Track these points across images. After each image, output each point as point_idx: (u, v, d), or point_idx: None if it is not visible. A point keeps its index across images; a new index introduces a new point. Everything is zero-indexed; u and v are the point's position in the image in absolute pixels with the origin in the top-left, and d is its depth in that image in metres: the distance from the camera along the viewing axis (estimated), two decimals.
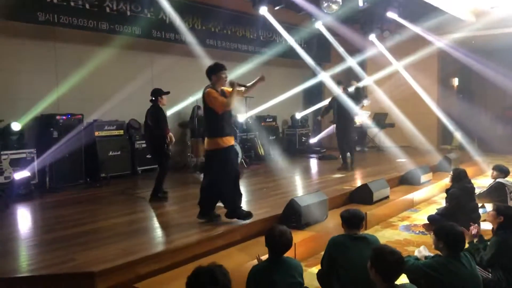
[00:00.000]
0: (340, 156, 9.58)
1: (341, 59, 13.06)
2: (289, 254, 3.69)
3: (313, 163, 11.19)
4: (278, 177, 8.75)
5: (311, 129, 13.48)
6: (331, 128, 11.80)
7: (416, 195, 7.94)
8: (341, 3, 9.31)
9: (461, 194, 5.83)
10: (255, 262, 3.82)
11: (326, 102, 12.39)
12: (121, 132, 8.88)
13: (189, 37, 9.52)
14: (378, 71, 13.33)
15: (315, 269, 4.29)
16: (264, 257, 3.72)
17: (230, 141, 5.29)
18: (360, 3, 9.75)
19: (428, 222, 6.14)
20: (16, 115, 7.55)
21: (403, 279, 3.27)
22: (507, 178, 6.57)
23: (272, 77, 11.93)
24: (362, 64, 13.76)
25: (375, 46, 12.70)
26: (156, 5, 8.96)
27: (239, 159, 9.19)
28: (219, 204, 6.10)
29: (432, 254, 3.72)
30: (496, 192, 6.35)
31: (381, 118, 13.08)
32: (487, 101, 14.59)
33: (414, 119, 12.66)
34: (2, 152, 6.95)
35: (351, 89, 9.90)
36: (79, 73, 8.12)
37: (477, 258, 3.94)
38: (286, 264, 3.37)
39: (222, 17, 10.47)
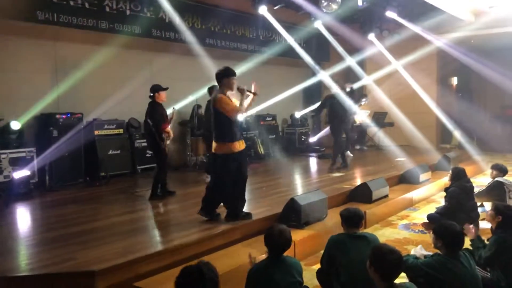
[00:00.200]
0: (339, 156, 9.53)
1: (340, 59, 13.07)
2: (288, 253, 3.70)
3: (313, 162, 11.20)
4: (277, 176, 8.77)
5: (310, 128, 13.49)
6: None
7: (415, 194, 7.95)
8: (340, 3, 9.31)
9: (460, 193, 5.84)
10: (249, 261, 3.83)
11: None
12: (121, 131, 8.89)
13: (189, 36, 9.53)
14: (377, 71, 13.34)
15: (315, 268, 4.29)
16: (262, 256, 3.73)
17: (242, 145, 5.35)
18: (359, 3, 9.75)
19: (427, 221, 6.16)
20: (15, 114, 7.55)
21: (402, 278, 3.28)
22: (506, 177, 6.59)
23: (272, 76, 11.98)
24: (361, 64, 13.76)
25: (374, 45, 12.71)
26: (155, 4, 8.96)
27: None
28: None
29: (430, 253, 3.73)
30: (495, 191, 6.35)
31: (380, 117, 13.09)
32: (486, 100, 14.62)
33: (413, 118, 12.68)
34: (1, 151, 6.97)
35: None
36: (79, 72, 8.13)
37: (476, 257, 3.95)
38: (285, 263, 3.37)
39: (222, 16, 10.47)
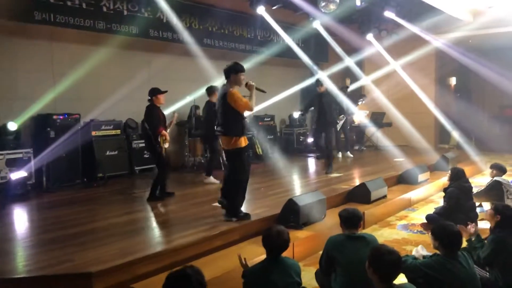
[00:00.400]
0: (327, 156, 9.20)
1: (338, 59, 13.07)
2: (287, 253, 3.69)
3: (311, 162, 11.18)
4: (276, 176, 8.74)
5: (309, 129, 13.47)
6: None
7: (414, 194, 7.94)
8: (338, 3, 9.30)
9: (459, 193, 5.84)
10: (254, 262, 3.80)
11: None
12: (118, 131, 8.86)
13: (187, 37, 9.51)
14: (375, 71, 13.35)
15: (313, 269, 4.28)
16: (259, 258, 3.71)
17: (247, 140, 5.44)
18: (358, 3, 9.74)
19: (426, 221, 6.15)
20: (12, 115, 7.52)
21: (401, 278, 3.26)
22: (504, 177, 6.59)
23: (270, 76, 11.96)
24: (359, 64, 13.76)
25: (373, 45, 12.72)
26: (153, 4, 8.93)
27: None
28: (217, 204, 6.11)
29: (430, 253, 3.72)
30: (493, 191, 6.36)
31: (378, 117, 13.08)
32: (485, 100, 14.62)
33: (412, 118, 12.68)
34: None
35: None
36: (76, 72, 8.08)
37: (474, 257, 3.94)
38: (283, 264, 3.37)
39: (220, 16, 10.45)
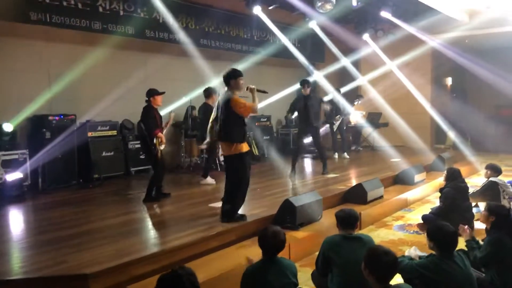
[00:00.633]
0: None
1: (335, 59, 13.06)
2: (283, 254, 3.69)
3: (307, 163, 11.19)
4: (272, 177, 8.74)
5: None
6: (325, 128, 11.81)
7: (410, 194, 7.95)
8: (335, 3, 9.30)
9: (455, 194, 5.85)
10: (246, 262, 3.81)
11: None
12: (114, 132, 8.82)
13: (183, 37, 9.49)
14: (372, 71, 13.35)
15: (310, 270, 4.27)
16: (256, 259, 3.70)
17: (247, 146, 5.48)
18: (354, 3, 9.73)
19: (422, 221, 6.16)
20: (8, 116, 7.49)
21: (398, 279, 3.26)
22: (500, 177, 6.60)
23: (266, 77, 11.97)
24: (356, 64, 13.77)
25: (369, 45, 12.72)
26: (149, 4, 8.91)
27: None
28: (214, 204, 6.11)
29: (425, 254, 3.72)
30: (489, 191, 6.37)
31: (375, 118, 13.10)
32: (481, 100, 14.65)
33: (408, 119, 12.69)
34: None
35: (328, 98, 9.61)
36: (72, 73, 8.05)
37: (471, 258, 3.94)
38: (279, 264, 3.36)
39: (216, 16, 10.43)
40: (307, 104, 8.58)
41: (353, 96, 12.84)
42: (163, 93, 6.62)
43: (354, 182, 7.67)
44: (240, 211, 5.52)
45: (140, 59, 9.51)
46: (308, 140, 9.81)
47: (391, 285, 2.90)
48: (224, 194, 5.55)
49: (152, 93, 6.55)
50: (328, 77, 12.81)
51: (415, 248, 4.03)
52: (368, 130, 13.15)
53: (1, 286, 3.80)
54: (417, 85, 13.07)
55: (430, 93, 13.78)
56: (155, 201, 6.57)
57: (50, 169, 7.59)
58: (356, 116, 12.32)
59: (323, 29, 11.99)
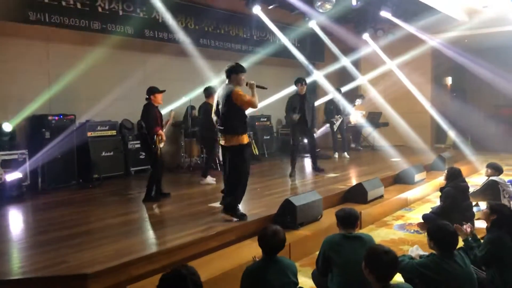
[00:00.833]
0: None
1: (334, 58, 13.07)
2: (283, 254, 3.68)
3: (307, 162, 11.15)
4: (272, 177, 8.73)
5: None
6: (325, 127, 11.82)
7: (411, 194, 7.94)
8: (334, 2, 9.30)
9: (455, 193, 5.84)
10: (250, 262, 3.80)
11: (323, 100, 12.42)
12: (114, 132, 8.80)
13: (182, 37, 9.48)
14: (371, 70, 13.36)
15: (310, 269, 4.27)
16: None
17: (248, 138, 5.57)
18: (354, 2, 9.74)
19: (422, 221, 6.15)
20: (7, 116, 7.48)
21: (398, 278, 3.25)
22: (501, 176, 6.60)
23: (266, 76, 11.92)
24: (355, 63, 13.77)
25: (369, 45, 12.73)
26: (148, 4, 8.91)
27: None
28: (214, 204, 6.10)
29: (426, 253, 3.71)
30: (489, 190, 6.37)
31: (375, 117, 13.09)
32: (480, 99, 14.64)
33: (408, 118, 12.69)
34: None
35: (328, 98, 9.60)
36: (71, 73, 8.04)
37: (471, 256, 3.93)
38: (280, 263, 3.35)
39: (215, 16, 10.43)
40: (304, 106, 8.58)
41: (353, 96, 12.83)
42: (163, 91, 6.62)
43: (354, 182, 7.66)
44: (240, 210, 5.51)
45: (140, 59, 9.50)
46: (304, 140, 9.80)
47: (391, 284, 2.89)
48: (224, 187, 5.63)
49: (152, 91, 6.54)
50: (328, 76, 12.82)
51: (417, 247, 4.02)
52: (368, 129, 13.14)
53: (1, 286, 3.80)
54: (417, 85, 13.07)
55: (430, 92, 13.77)
56: (154, 201, 6.55)
57: (49, 169, 7.57)
58: (356, 116, 12.32)
59: (323, 28, 11.99)
